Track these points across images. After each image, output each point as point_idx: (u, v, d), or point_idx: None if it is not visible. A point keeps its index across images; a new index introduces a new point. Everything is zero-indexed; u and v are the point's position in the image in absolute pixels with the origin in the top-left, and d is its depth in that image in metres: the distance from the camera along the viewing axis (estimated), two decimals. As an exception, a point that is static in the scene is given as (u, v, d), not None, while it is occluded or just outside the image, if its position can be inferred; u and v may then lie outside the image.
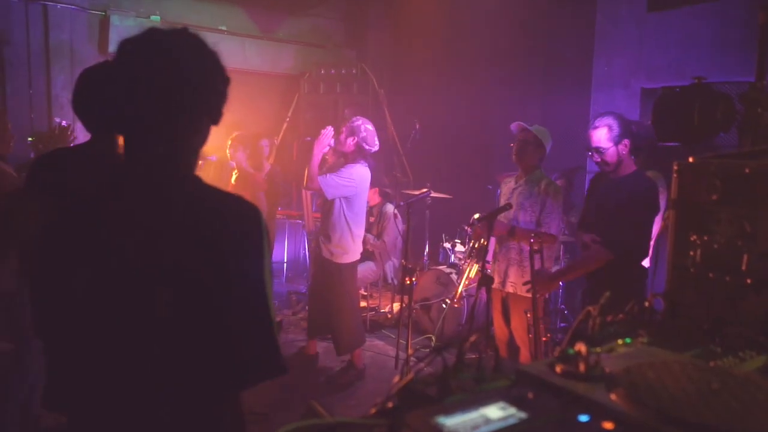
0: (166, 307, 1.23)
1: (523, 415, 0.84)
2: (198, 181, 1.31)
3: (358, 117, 4.34)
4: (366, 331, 5.66)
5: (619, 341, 1.16)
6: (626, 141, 3.07)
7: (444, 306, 5.29)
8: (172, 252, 1.23)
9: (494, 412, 0.84)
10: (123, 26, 6.66)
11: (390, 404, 1.01)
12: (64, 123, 6.47)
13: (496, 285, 3.69)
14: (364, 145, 4.21)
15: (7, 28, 6.23)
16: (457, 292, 4.26)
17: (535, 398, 0.89)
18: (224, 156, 5.86)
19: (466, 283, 4.36)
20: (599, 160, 3.12)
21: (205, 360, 1.26)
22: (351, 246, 4.34)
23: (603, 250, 3.06)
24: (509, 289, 3.70)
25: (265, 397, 4.11)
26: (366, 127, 4.22)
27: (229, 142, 5.57)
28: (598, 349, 1.04)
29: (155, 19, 6.94)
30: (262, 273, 1.28)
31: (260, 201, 5.57)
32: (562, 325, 5.32)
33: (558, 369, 0.98)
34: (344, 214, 4.24)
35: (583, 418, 0.84)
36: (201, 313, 1.23)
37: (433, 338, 5.29)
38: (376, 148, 4.30)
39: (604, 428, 0.81)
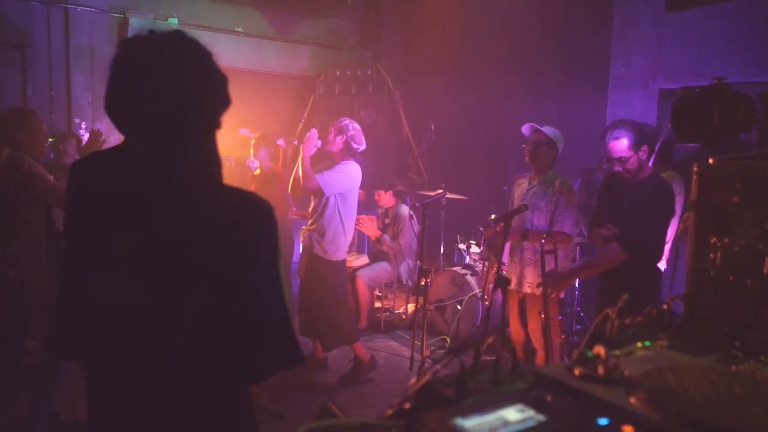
0: (186, 300, 1.25)
1: (541, 417, 0.83)
2: (210, 178, 1.34)
3: (344, 118, 4.43)
4: (380, 332, 5.68)
5: (639, 344, 1.15)
6: (645, 147, 3.09)
7: (458, 307, 5.28)
8: (190, 247, 1.26)
9: (512, 414, 0.84)
10: (141, 28, 6.68)
11: (407, 405, 1.01)
12: (83, 125, 6.58)
13: (512, 286, 3.67)
14: (352, 143, 4.28)
15: (29, 31, 6.33)
16: (485, 288, 4.20)
17: (553, 401, 0.88)
18: (242, 157, 5.86)
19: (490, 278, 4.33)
20: (621, 169, 3.14)
21: (225, 351, 1.28)
22: (343, 243, 4.37)
23: (618, 249, 3.06)
24: (526, 290, 3.68)
25: (282, 397, 4.13)
26: (353, 126, 4.31)
27: (253, 142, 5.56)
28: (617, 352, 1.03)
29: (173, 21, 7.01)
30: (276, 263, 1.32)
31: (288, 201, 5.55)
32: (578, 327, 5.28)
33: (576, 372, 0.98)
34: (339, 211, 4.28)
35: (603, 421, 0.83)
36: (219, 304, 1.27)
37: (448, 339, 5.28)
38: (364, 146, 4.36)
39: (623, 432, 0.81)
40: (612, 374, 0.96)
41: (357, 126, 4.34)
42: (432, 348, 4.85)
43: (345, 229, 4.33)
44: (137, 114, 1.29)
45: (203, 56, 1.33)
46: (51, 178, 3.50)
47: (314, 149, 4.23)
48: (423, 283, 4.31)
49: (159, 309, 1.27)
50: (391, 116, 7.46)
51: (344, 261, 4.50)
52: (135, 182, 1.32)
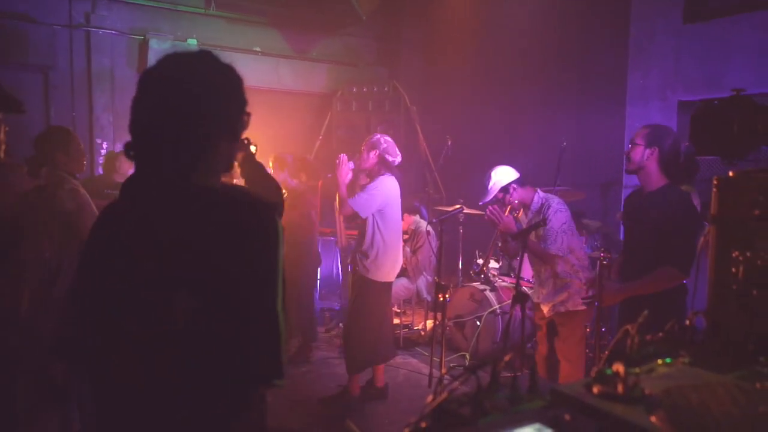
0: (180, 312, 1.27)
1: (559, 437, 0.82)
2: (214, 192, 1.36)
3: (375, 133, 4.39)
4: (400, 349, 5.64)
5: (659, 361, 1.13)
6: (656, 149, 2.97)
7: (478, 323, 5.23)
8: (187, 260, 1.28)
9: (529, 434, 0.83)
10: (161, 49, 6.85)
11: (423, 424, 1.00)
12: (104, 145, 6.69)
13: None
14: (386, 156, 4.23)
15: (52, 54, 6.48)
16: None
17: (572, 420, 0.87)
18: None
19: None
20: (626, 152, 3.08)
21: (211, 364, 1.29)
22: (387, 263, 4.27)
23: (674, 271, 2.86)
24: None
25: (301, 415, 4.12)
26: (385, 139, 4.26)
27: (271, 162, 5.50)
28: (637, 370, 1.01)
29: (192, 42, 7.13)
30: (275, 282, 1.32)
31: (311, 219, 5.52)
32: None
33: (595, 390, 0.96)
34: (378, 229, 4.21)
35: (622, 441, 0.81)
36: (211, 318, 1.27)
37: (467, 356, 5.23)
38: (399, 158, 4.31)
39: (644, 452, 0.79)
40: (632, 392, 0.94)
41: (389, 139, 4.30)
42: (451, 365, 4.79)
43: (388, 246, 4.24)
44: (140, 135, 1.36)
45: (219, 73, 1.38)
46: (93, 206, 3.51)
47: (349, 173, 4.22)
48: (441, 299, 4.28)
49: (154, 320, 1.28)
50: (408, 132, 7.48)
51: (388, 284, 4.35)
52: (135, 196, 1.37)
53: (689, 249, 2.90)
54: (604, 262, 3.42)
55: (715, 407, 0.88)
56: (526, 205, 3.74)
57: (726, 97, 2.00)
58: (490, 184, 3.74)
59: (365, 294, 4.25)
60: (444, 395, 1.01)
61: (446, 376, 1.06)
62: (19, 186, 3.21)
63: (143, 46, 6.87)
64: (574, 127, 5.97)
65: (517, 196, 3.70)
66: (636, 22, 5.78)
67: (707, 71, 5.18)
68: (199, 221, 1.31)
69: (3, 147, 2.07)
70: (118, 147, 6.43)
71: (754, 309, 1.34)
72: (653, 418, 0.86)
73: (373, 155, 4.22)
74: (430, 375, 4.29)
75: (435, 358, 4.22)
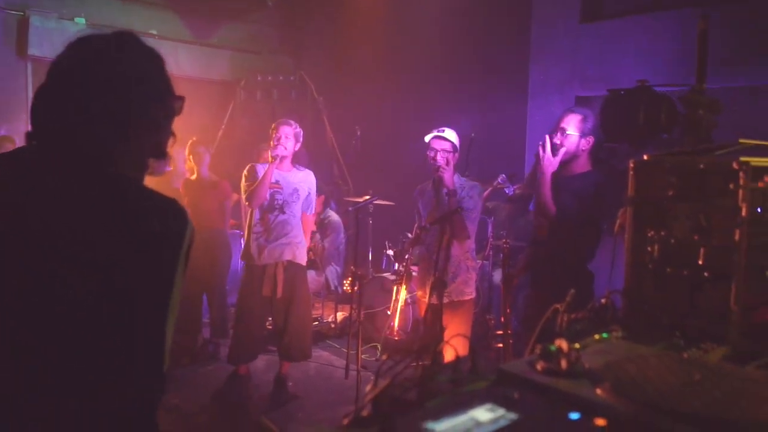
0: (79, 295, 1.17)
1: (513, 416, 0.80)
2: (130, 181, 1.27)
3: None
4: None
5: (596, 336, 1.15)
6: (591, 139, 2.94)
7: (389, 313, 5.26)
8: (88, 245, 1.18)
9: (483, 414, 0.81)
10: (44, 28, 6.30)
11: (364, 413, 0.96)
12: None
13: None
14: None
15: None
16: (394, 322, 4.31)
17: (521, 398, 0.86)
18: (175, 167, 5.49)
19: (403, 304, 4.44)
20: (558, 142, 2.95)
21: (93, 358, 1.19)
22: None
23: (552, 213, 2.93)
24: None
25: (211, 415, 3.94)
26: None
27: (190, 148, 5.16)
28: (578, 345, 1.03)
29: (80, 21, 6.61)
30: (172, 282, 1.23)
31: (225, 210, 5.29)
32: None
33: (539, 367, 0.96)
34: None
35: (574, 415, 0.81)
36: (102, 308, 1.18)
37: (379, 347, 5.24)
38: None
39: (596, 425, 0.79)
40: (575, 368, 0.95)
41: None
42: (364, 355, 4.78)
43: None
44: (54, 116, 1.24)
45: (141, 59, 1.34)
46: None
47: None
48: (354, 289, 4.25)
49: (44, 305, 1.17)
50: (315, 123, 7.38)
51: None
52: (41, 177, 1.23)
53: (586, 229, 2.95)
54: (506, 246, 3.55)
55: (654, 378, 0.90)
56: (452, 177, 3.66)
57: (632, 87, 2.12)
58: (448, 135, 3.66)
59: (304, 281, 4.60)
60: (387, 381, 0.97)
61: (386, 363, 1.03)
62: None
63: (23, 23, 6.28)
64: (480, 119, 6.13)
65: (453, 162, 3.64)
66: (536, 20, 6.02)
67: (602, 69, 5.49)
68: (106, 209, 1.20)
69: None
70: (2, 132, 5.86)
71: (668, 286, 1.41)
72: (599, 391, 0.87)
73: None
74: (347, 368, 4.25)
75: (351, 351, 4.18)
